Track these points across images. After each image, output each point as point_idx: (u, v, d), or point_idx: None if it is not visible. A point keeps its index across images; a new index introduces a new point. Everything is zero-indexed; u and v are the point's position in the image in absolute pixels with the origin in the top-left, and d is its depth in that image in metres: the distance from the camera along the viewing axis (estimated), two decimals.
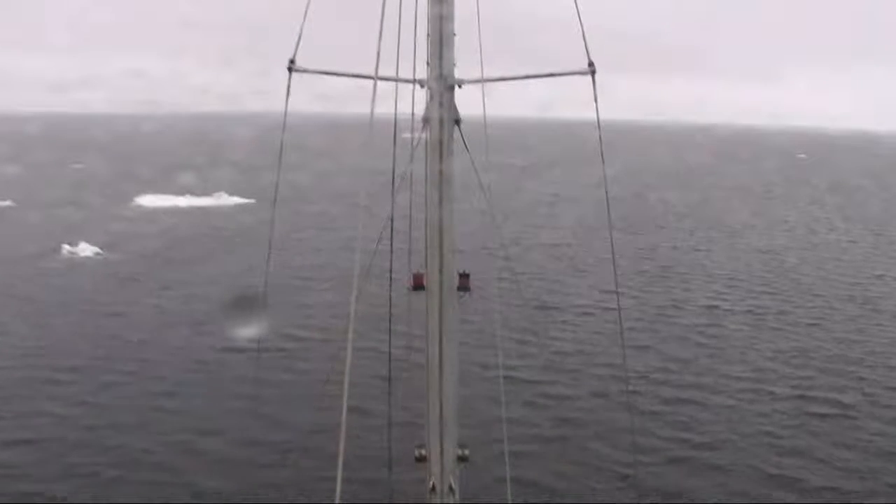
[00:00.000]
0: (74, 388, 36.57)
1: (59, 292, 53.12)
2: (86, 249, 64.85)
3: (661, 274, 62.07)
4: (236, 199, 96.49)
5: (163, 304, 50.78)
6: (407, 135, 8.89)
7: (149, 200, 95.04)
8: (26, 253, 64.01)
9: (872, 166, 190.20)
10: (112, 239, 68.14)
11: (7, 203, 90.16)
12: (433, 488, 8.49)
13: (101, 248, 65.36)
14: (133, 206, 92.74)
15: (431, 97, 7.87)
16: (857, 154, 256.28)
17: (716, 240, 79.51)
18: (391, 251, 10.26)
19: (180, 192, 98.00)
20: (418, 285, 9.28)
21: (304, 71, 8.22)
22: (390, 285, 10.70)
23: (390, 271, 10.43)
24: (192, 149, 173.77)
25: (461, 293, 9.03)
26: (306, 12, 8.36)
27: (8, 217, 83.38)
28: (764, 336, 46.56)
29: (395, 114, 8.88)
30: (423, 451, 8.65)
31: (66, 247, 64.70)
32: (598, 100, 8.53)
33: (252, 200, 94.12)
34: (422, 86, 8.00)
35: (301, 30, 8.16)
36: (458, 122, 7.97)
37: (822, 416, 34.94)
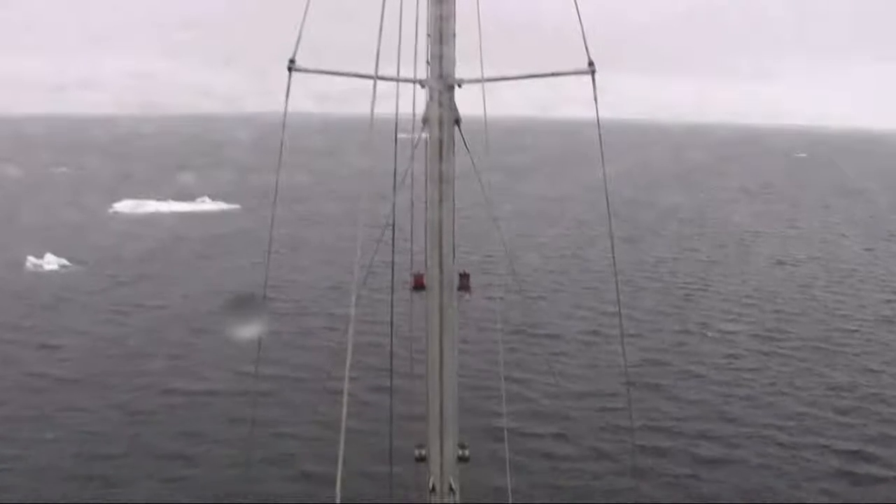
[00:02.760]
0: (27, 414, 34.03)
1: (11, 312, 48.88)
2: (51, 262, 60.92)
3: (665, 289, 58.02)
4: (220, 205, 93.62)
5: (124, 327, 46.85)
6: (407, 135, 8.89)
7: (128, 206, 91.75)
8: None
9: (874, 166, 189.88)
10: (81, 250, 64.86)
11: None
12: (433, 488, 8.48)
13: (68, 261, 61.66)
14: (111, 212, 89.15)
15: (431, 97, 7.86)
16: (857, 154, 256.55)
17: (723, 248, 75.20)
18: (393, 252, 10.26)
19: (163, 197, 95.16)
20: (419, 286, 9.29)
21: (304, 71, 8.20)
22: (392, 285, 10.70)
23: (392, 272, 10.41)
24: (187, 151, 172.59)
25: (461, 293, 9.05)
26: (306, 12, 8.35)
27: None
28: (789, 369, 41.28)
29: (397, 114, 8.88)
30: (423, 451, 8.63)
31: (31, 259, 60.67)
32: (598, 100, 8.52)
33: (236, 206, 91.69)
34: (422, 86, 7.99)
35: (301, 30, 8.15)
36: (458, 121, 7.96)
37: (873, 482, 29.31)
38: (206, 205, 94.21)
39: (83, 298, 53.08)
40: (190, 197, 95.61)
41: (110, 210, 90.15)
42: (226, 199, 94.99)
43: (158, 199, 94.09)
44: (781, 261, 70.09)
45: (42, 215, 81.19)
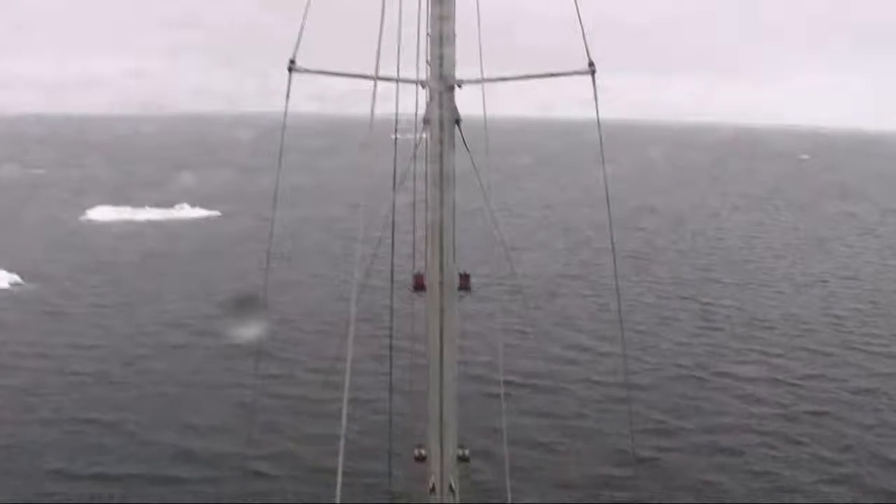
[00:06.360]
0: None
1: None
2: (1, 279, 54.62)
3: (674, 318, 50.28)
4: (199, 212, 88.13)
5: (75, 358, 40.74)
6: (408, 135, 8.90)
7: (101, 213, 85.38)
8: None
9: (877, 169, 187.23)
10: (39, 264, 59.15)
11: None
12: (433, 488, 8.50)
13: (21, 277, 55.25)
14: (81, 220, 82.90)
15: (431, 97, 7.88)
16: (858, 156, 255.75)
17: (737, 266, 66.53)
18: (392, 252, 10.27)
19: (140, 203, 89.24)
20: (419, 286, 9.31)
21: (304, 71, 8.22)
22: (391, 286, 10.72)
23: (391, 272, 10.43)
24: (180, 152, 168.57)
25: (461, 293, 9.06)
26: (306, 12, 8.36)
27: None
28: (831, 435, 32.91)
29: (396, 114, 8.89)
30: (423, 451, 8.66)
31: None
32: (598, 100, 8.53)
33: (216, 212, 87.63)
34: (422, 86, 8.01)
35: (301, 30, 8.16)
36: (458, 121, 7.98)
37: None
38: (184, 212, 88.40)
39: (16, 328, 46.36)
40: (168, 203, 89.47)
41: (82, 217, 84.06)
42: (206, 206, 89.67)
43: (135, 206, 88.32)
44: (804, 282, 61.70)
45: (7, 223, 75.80)
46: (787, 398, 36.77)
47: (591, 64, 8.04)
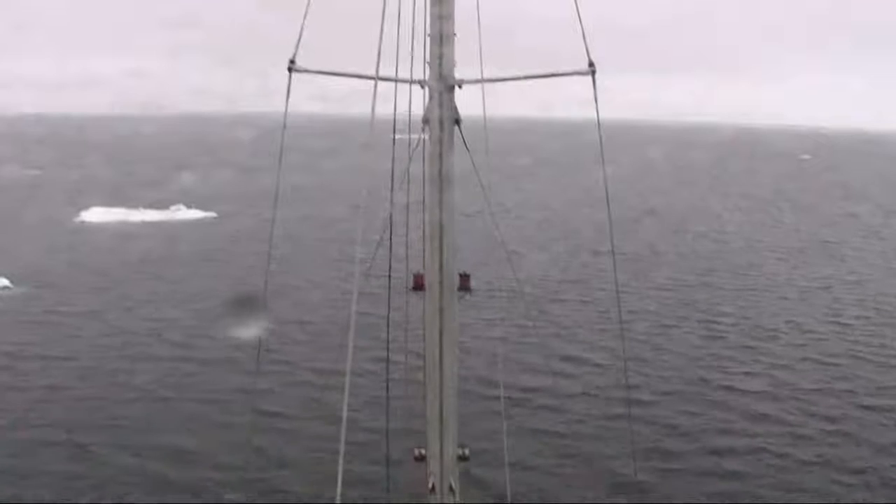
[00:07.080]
0: None
1: None
2: None
3: (676, 322, 49.39)
4: (195, 213, 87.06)
5: (54, 370, 38.99)
6: (407, 135, 8.90)
7: (96, 215, 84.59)
8: None
9: (879, 170, 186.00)
10: (30, 267, 57.88)
11: None
12: (433, 488, 8.49)
13: (10, 282, 53.91)
14: (76, 221, 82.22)
15: (431, 97, 7.87)
16: (859, 155, 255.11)
17: (740, 271, 64.66)
18: (390, 252, 10.26)
19: (135, 204, 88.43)
20: (418, 286, 9.30)
21: (305, 71, 8.21)
22: (389, 285, 10.71)
23: (389, 272, 10.43)
24: (179, 153, 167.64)
25: (462, 293, 9.07)
26: (306, 12, 8.36)
27: None
28: (843, 455, 31.33)
29: (395, 114, 8.88)
30: (423, 451, 8.64)
31: None
32: (598, 100, 8.53)
33: (213, 214, 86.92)
34: (422, 86, 8.00)
35: (301, 30, 8.16)
36: (458, 122, 7.97)
37: None
38: (180, 213, 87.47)
39: (15, 329, 45.24)
40: (164, 204, 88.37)
41: (76, 219, 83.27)
42: (203, 207, 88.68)
43: (130, 207, 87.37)
44: (808, 287, 60.11)
45: (1, 225, 75.20)
46: (793, 415, 35.36)
47: (591, 64, 8.03)
